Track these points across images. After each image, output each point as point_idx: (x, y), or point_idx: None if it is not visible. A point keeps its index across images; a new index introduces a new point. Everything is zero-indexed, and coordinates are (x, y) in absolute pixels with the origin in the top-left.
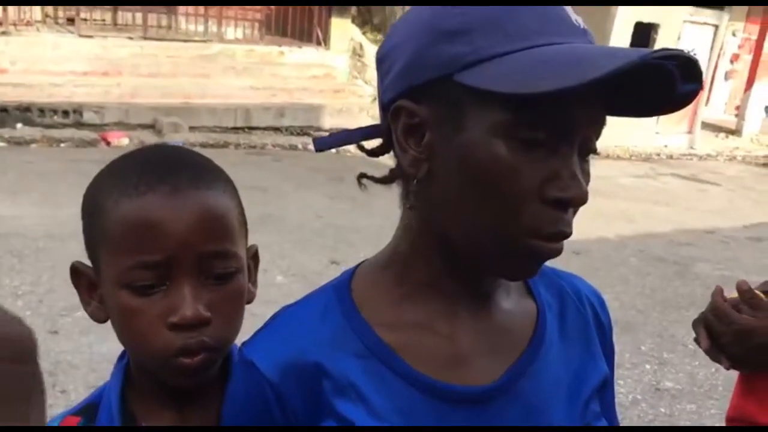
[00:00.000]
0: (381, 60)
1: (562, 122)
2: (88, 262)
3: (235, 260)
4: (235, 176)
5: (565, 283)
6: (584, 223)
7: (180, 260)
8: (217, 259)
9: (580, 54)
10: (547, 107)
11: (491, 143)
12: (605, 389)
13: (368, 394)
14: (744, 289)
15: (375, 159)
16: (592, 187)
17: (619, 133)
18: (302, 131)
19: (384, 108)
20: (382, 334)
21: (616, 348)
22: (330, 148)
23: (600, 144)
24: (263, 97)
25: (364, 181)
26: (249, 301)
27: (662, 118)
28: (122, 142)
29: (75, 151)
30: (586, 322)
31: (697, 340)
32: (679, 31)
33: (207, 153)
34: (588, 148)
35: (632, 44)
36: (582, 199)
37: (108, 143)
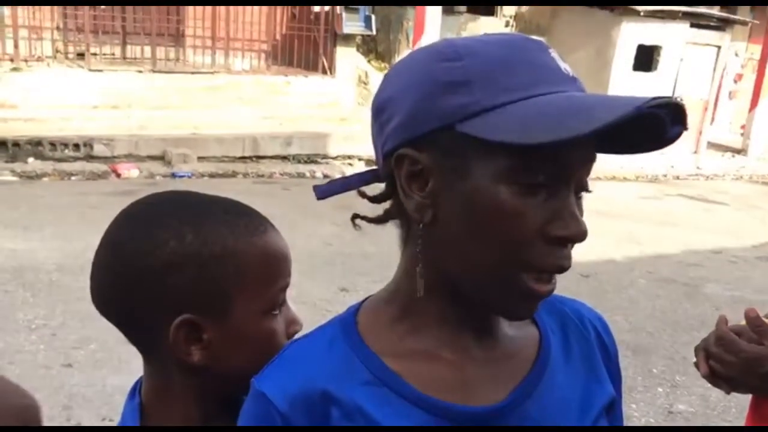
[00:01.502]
0: (380, 110)
1: (560, 166)
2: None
3: None
4: None
5: (568, 309)
6: (592, 246)
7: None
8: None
9: (577, 104)
10: (546, 153)
11: (495, 189)
12: (613, 411)
13: (377, 418)
14: (752, 317)
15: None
16: (599, 209)
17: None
18: (309, 159)
19: (386, 156)
20: (388, 363)
21: (628, 371)
22: (331, 195)
23: (606, 165)
24: (270, 127)
25: (358, 221)
26: None
27: None
28: (132, 173)
29: (86, 184)
30: (590, 346)
31: (697, 366)
32: (682, 53)
33: (216, 183)
34: (581, 187)
35: (635, 66)
36: (583, 236)
37: (118, 175)
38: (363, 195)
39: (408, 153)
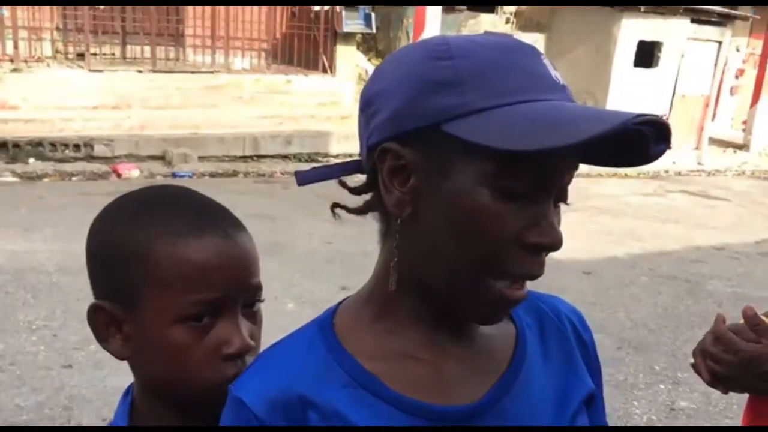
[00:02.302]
0: (367, 103)
1: (543, 174)
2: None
3: (261, 291)
4: (244, 205)
5: (544, 304)
6: (593, 243)
7: (231, 296)
8: (256, 291)
9: (565, 115)
10: (529, 160)
11: (476, 191)
12: (593, 405)
13: (355, 420)
14: (749, 315)
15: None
16: (600, 207)
17: None
18: (310, 158)
19: (370, 149)
20: (365, 364)
21: (630, 368)
22: (311, 182)
23: None
24: (271, 126)
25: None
26: None
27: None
28: (133, 173)
29: (86, 185)
30: (567, 340)
31: (694, 367)
32: (683, 49)
33: (216, 182)
34: (561, 197)
35: (636, 62)
36: (558, 245)
37: (119, 175)
38: (343, 185)
39: (392, 147)
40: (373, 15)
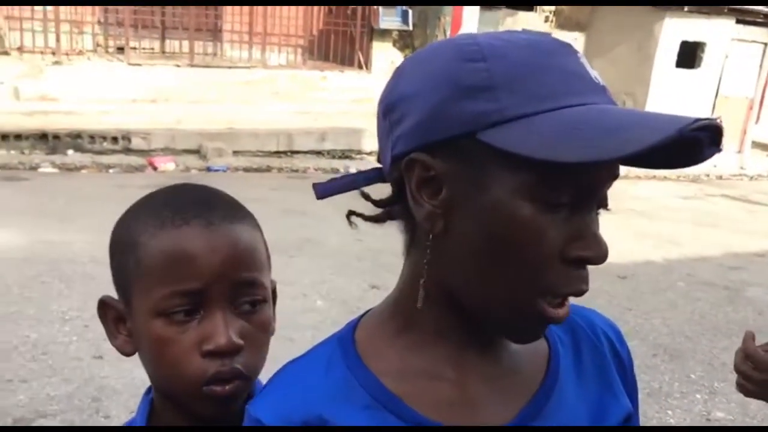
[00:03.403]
0: (390, 107)
1: (587, 184)
2: (115, 295)
3: (263, 290)
4: (276, 200)
5: (579, 318)
6: (630, 247)
7: (215, 289)
8: (248, 287)
9: (613, 122)
10: (574, 171)
11: (516, 204)
12: (629, 426)
13: None
14: (750, 353)
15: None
16: (637, 209)
17: None
18: (344, 155)
19: (395, 158)
20: (388, 384)
21: (665, 377)
22: (331, 194)
23: None
24: (305, 122)
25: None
26: (271, 334)
27: None
28: (168, 167)
29: (123, 177)
30: (603, 357)
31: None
32: (727, 50)
33: (250, 177)
34: (602, 204)
35: (678, 63)
36: (604, 258)
37: (155, 168)
38: (366, 197)
39: (420, 158)
40: (410, 12)
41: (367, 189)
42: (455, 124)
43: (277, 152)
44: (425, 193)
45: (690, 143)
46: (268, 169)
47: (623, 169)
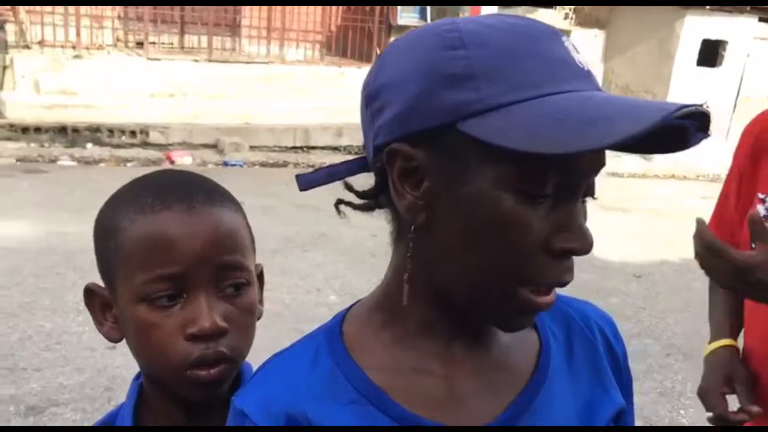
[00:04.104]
0: (372, 96)
1: (570, 175)
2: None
3: (246, 272)
4: (291, 195)
5: (573, 310)
6: (646, 246)
7: (197, 272)
8: (231, 270)
9: (595, 111)
10: (557, 161)
11: (498, 196)
12: (621, 422)
13: None
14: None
15: None
16: (654, 209)
17: (685, 152)
18: (360, 151)
19: (377, 149)
20: (374, 378)
21: (678, 376)
22: (315, 186)
23: (665, 163)
24: (322, 117)
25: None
26: (258, 318)
27: (733, 135)
28: (185, 161)
29: (140, 171)
30: (596, 351)
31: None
32: (749, 48)
33: (266, 172)
34: (588, 192)
35: (699, 61)
36: (588, 248)
37: (172, 162)
38: (350, 188)
39: (402, 149)
40: (428, 8)
41: (357, 178)
42: (435, 114)
43: (294, 148)
44: (407, 184)
45: (676, 130)
46: (285, 165)
47: (642, 169)
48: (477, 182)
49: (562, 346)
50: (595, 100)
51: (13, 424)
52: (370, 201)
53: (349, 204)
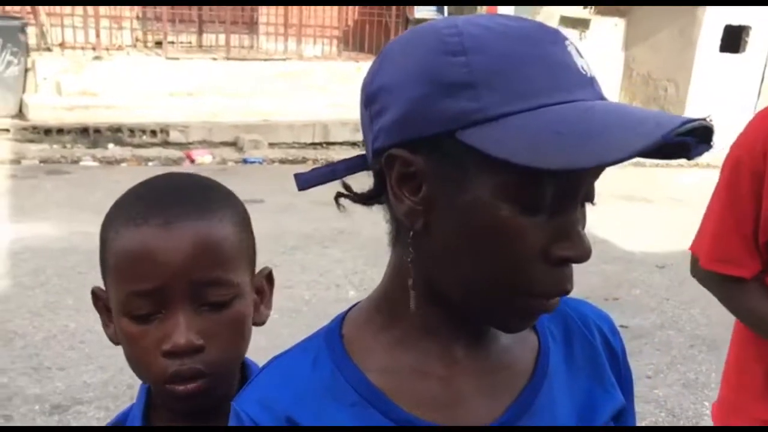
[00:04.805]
0: (371, 98)
1: (569, 186)
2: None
3: (230, 288)
4: (310, 191)
5: (570, 310)
6: (669, 236)
7: (172, 289)
8: (211, 287)
9: (596, 124)
10: (556, 173)
11: (496, 206)
12: (622, 420)
13: None
14: None
15: None
16: (677, 198)
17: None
18: None
19: (376, 152)
20: (374, 380)
21: (702, 367)
22: (314, 185)
23: None
24: (341, 113)
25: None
26: (260, 323)
27: None
28: (205, 159)
29: (161, 170)
30: (595, 351)
31: None
32: None
33: (285, 168)
34: (587, 198)
35: (722, 47)
36: (586, 257)
37: (192, 161)
38: (347, 189)
39: (401, 155)
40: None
41: (360, 174)
42: (435, 122)
43: (313, 144)
44: (406, 189)
45: (678, 143)
46: (304, 161)
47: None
48: (475, 191)
49: (561, 346)
50: (596, 111)
51: (38, 422)
52: (367, 197)
53: (348, 196)
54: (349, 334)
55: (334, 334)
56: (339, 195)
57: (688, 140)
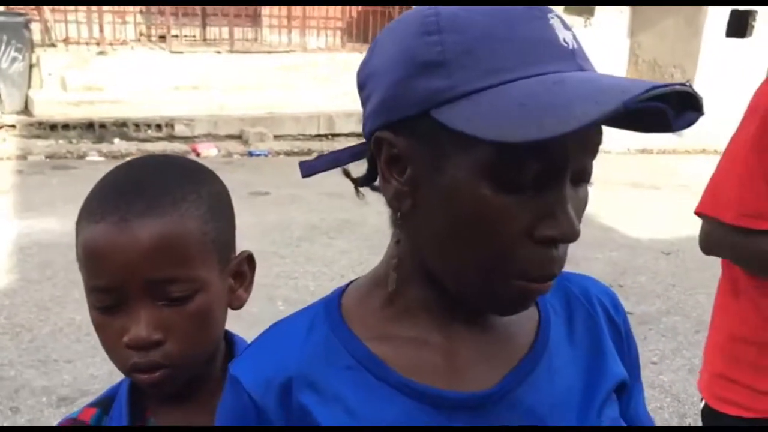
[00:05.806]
0: (361, 85)
1: (552, 159)
2: None
3: (191, 283)
4: (315, 183)
5: (573, 285)
6: (675, 223)
7: (129, 286)
8: (169, 284)
9: (560, 96)
10: (531, 147)
11: (476, 185)
12: (626, 393)
13: (356, 406)
14: None
15: None
16: (683, 184)
17: (716, 126)
18: None
19: (366, 137)
20: (371, 347)
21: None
22: (318, 172)
23: (695, 138)
24: (345, 104)
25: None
26: (237, 308)
27: None
28: (211, 152)
29: None
30: (597, 326)
31: None
32: None
33: (291, 161)
34: (581, 177)
35: (728, 32)
36: (574, 236)
37: (198, 154)
38: (347, 175)
39: (385, 137)
40: None
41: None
42: (412, 102)
43: (318, 135)
44: (394, 171)
45: (661, 109)
46: (309, 153)
47: (673, 144)
48: (455, 170)
49: (563, 320)
50: (565, 82)
51: (45, 415)
52: (363, 180)
53: (353, 180)
54: (348, 304)
55: (333, 303)
56: (352, 181)
57: (661, 106)
